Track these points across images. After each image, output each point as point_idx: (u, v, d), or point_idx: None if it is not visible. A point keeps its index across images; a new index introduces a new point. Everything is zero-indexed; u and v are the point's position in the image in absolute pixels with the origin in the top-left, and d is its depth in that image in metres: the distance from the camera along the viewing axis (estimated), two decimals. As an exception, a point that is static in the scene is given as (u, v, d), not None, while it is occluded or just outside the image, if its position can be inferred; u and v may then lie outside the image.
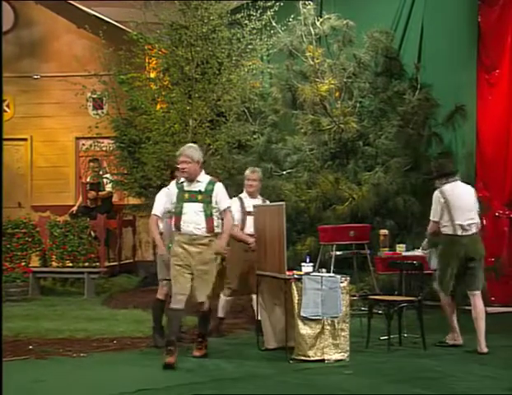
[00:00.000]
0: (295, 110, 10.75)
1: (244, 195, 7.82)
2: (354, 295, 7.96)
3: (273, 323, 7.02)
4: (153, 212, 7.18)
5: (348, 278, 6.69)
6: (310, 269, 6.72)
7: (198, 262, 6.52)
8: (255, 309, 7.35)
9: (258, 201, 7.75)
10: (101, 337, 7.58)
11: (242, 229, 7.63)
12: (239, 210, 7.63)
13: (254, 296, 7.36)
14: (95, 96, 12.99)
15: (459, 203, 6.87)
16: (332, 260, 8.43)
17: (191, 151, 6.66)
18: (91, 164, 12.64)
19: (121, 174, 12.24)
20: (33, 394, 5.58)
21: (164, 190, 7.29)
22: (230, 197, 7.41)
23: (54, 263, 11.21)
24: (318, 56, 10.26)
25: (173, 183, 7.19)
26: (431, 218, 6.98)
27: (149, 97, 11.48)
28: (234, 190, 7.95)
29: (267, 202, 7.88)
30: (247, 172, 7.88)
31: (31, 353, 6.86)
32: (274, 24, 10.81)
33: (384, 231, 8.16)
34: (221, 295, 7.63)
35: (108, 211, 12.18)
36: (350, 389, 5.65)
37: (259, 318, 7.12)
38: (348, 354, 6.52)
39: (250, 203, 7.61)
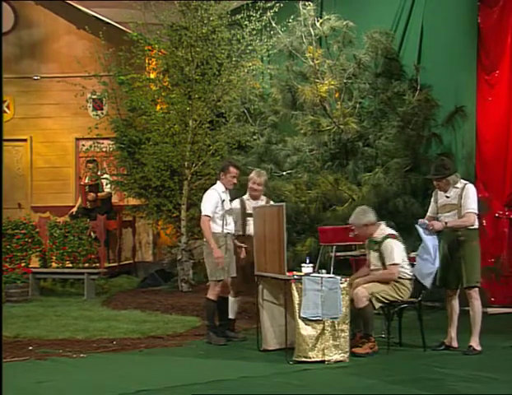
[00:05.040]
0: (294, 111, 10.75)
1: (246, 197, 7.79)
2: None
3: (273, 324, 7.02)
4: (205, 213, 7.35)
5: (348, 279, 6.69)
6: (310, 270, 6.72)
7: None
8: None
9: (262, 202, 7.71)
10: (101, 338, 7.59)
11: (243, 231, 7.65)
12: (239, 212, 7.65)
13: None
14: (95, 97, 13.01)
15: None
16: (332, 261, 8.43)
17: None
18: (89, 165, 12.64)
19: (121, 174, 12.26)
20: (33, 395, 5.59)
21: (214, 192, 7.45)
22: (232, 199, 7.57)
23: (54, 264, 11.20)
24: (318, 57, 10.26)
25: (219, 184, 7.49)
26: (474, 210, 6.82)
27: (149, 98, 11.52)
28: (235, 191, 7.95)
29: (272, 203, 7.80)
30: (253, 175, 7.76)
31: (31, 354, 6.86)
32: (274, 25, 10.83)
33: None
34: (229, 297, 7.68)
35: (107, 212, 12.18)
36: (350, 390, 5.65)
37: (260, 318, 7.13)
38: (348, 355, 6.52)
39: (252, 205, 7.59)
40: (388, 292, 6.85)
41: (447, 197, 6.95)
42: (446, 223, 6.81)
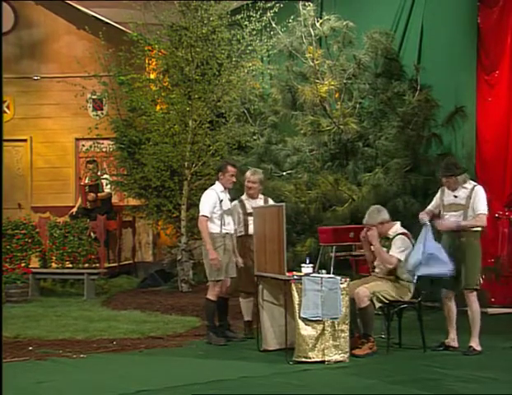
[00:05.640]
0: (294, 111, 10.75)
1: (244, 197, 7.81)
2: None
3: (273, 324, 7.02)
4: (202, 213, 7.35)
5: (348, 279, 6.69)
6: (310, 270, 6.72)
7: None
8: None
9: (260, 201, 7.73)
10: (101, 338, 7.59)
11: (246, 231, 7.65)
12: (240, 212, 7.66)
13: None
14: (94, 97, 13.00)
15: None
16: (332, 261, 8.43)
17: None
18: (89, 165, 12.65)
19: (121, 174, 12.25)
20: (33, 395, 5.59)
21: (212, 192, 7.46)
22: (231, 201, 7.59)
23: (54, 264, 11.20)
24: (317, 57, 10.26)
25: (218, 184, 7.49)
26: (485, 212, 6.77)
27: (149, 98, 11.52)
28: (234, 191, 7.95)
29: (270, 201, 7.84)
30: (247, 174, 7.81)
31: (31, 354, 6.87)
32: (274, 25, 10.83)
33: None
34: (240, 299, 7.69)
35: (107, 212, 12.18)
36: (350, 390, 5.65)
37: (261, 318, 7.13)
38: (348, 355, 6.52)
39: (251, 205, 7.61)
40: (389, 292, 6.86)
41: (455, 196, 6.88)
42: (459, 222, 6.74)
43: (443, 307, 7.06)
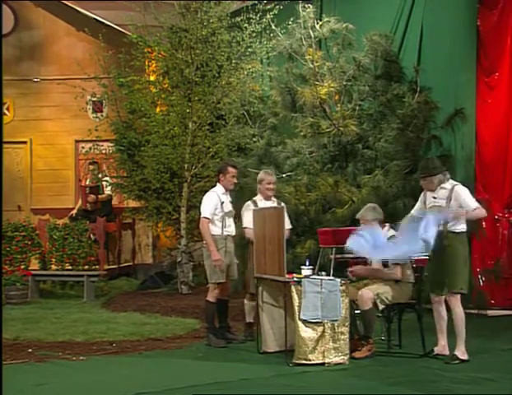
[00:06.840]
0: (294, 113, 10.75)
1: (258, 198, 7.71)
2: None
3: (273, 326, 7.02)
4: (204, 215, 7.34)
5: (348, 281, 6.69)
6: (310, 272, 6.72)
7: None
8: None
9: (274, 203, 7.67)
10: (101, 340, 7.58)
11: None
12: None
13: None
14: (94, 99, 13.01)
15: None
16: (332, 263, 8.43)
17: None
18: (91, 166, 12.65)
19: (120, 176, 12.26)
20: (32, 397, 5.59)
21: (213, 194, 7.44)
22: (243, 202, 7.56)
23: (54, 266, 11.21)
24: (317, 59, 10.27)
25: (219, 186, 7.48)
26: (477, 205, 6.54)
27: (149, 100, 11.54)
28: (234, 193, 7.94)
29: (282, 204, 7.70)
30: (266, 176, 7.66)
31: (31, 356, 6.86)
32: (274, 27, 10.83)
33: None
34: (245, 301, 7.69)
35: (107, 214, 12.19)
36: (350, 392, 5.65)
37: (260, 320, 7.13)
38: (348, 357, 6.52)
39: (267, 206, 7.52)
40: (392, 294, 6.84)
41: (434, 197, 6.67)
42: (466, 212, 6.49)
43: (433, 312, 6.81)
